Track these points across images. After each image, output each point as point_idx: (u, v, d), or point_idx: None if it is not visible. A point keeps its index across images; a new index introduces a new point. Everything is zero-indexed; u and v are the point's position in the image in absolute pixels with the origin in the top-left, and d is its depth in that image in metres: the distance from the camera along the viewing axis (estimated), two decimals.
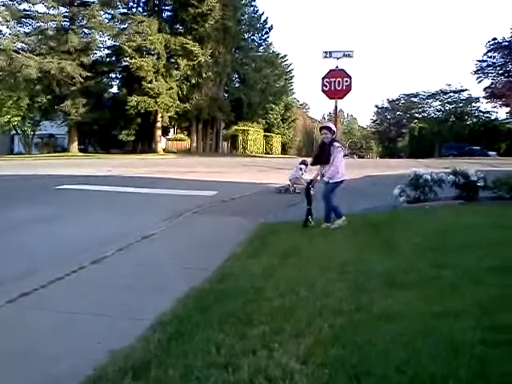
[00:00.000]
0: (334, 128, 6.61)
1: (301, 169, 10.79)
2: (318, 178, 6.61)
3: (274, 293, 3.57)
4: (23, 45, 35.51)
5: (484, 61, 48.85)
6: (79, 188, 11.26)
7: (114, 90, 43.45)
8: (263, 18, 54.70)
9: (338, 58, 9.00)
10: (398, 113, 68.02)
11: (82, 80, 35.32)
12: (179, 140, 48.92)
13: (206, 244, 5.79)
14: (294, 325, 2.93)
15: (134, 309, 3.49)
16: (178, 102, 39.62)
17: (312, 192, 6.68)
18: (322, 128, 6.74)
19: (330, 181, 6.32)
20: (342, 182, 6.41)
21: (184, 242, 5.96)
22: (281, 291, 3.59)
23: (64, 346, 2.87)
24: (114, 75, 42.81)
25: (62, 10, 36.95)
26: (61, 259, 4.91)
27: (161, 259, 5.00)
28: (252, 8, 53.80)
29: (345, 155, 6.81)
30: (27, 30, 36.39)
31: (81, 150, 38.98)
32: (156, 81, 37.64)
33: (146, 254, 5.27)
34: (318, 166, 6.59)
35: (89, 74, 35.66)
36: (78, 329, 3.14)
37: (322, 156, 6.46)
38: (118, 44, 38.22)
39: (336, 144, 6.39)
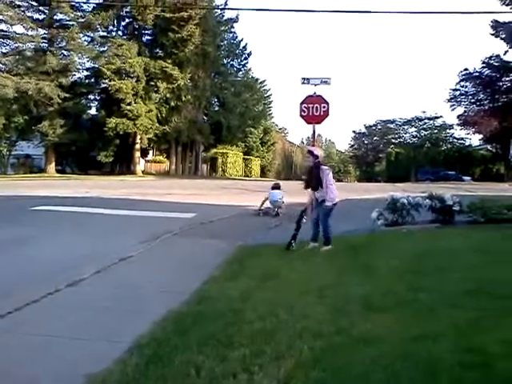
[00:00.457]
0: (316, 152, 6.61)
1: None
2: (312, 204, 6.57)
3: (253, 315, 3.55)
4: (0, 65, 35.22)
5: (457, 89, 50.24)
6: (56, 209, 11.06)
7: (93, 111, 43.27)
8: (242, 44, 55.38)
9: (315, 85, 9.17)
10: (374, 138, 69.17)
11: (60, 101, 35.06)
12: (158, 162, 48.79)
13: (184, 267, 5.74)
14: (274, 347, 2.92)
15: (112, 331, 3.43)
16: (157, 124, 39.61)
17: (304, 220, 6.69)
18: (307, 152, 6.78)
19: (331, 203, 6.28)
20: (336, 203, 6.42)
21: (162, 264, 5.90)
22: (260, 314, 3.58)
23: (40, 369, 2.80)
24: (92, 97, 42.62)
25: (41, 31, 36.87)
26: (36, 281, 4.80)
27: (138, 282, 4.93)
28: (231, 34, 54.52)
29: None
30: (4, 51, 36.17)
31: (58, 171, 38.44)
32: (135, 103, 37.63)
33: (123, 277, 5.19)
34: (310, 193, 6.57)
35: (67, 95, 35.44)
36: (55, 352, 3.07)
37: (311, 181, 6.44)
38: (97, 66, 38.20)
39: (323, 167, 6.40)
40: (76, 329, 3.48)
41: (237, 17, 50.78)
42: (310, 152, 6.58)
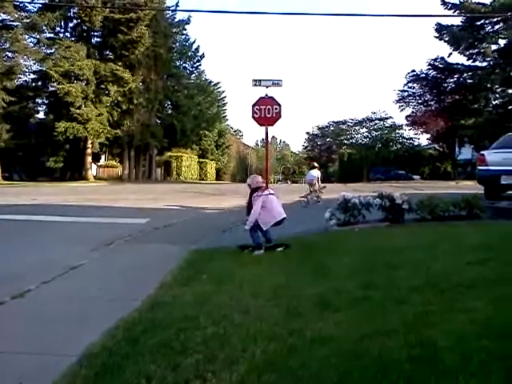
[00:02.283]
0: (248, 182, 6.94)
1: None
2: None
3: (207, 320, 3.50)
4: None
5: (405, 91, 51.81)
6: (0, 218, 10.62)
7: (41, 115, 41.97)
8: (195, 46, 55.25)
9: (267, 87, 9.20)
10: (328, 139, 70.22)
11: (5, 105, 33.83)
12: (110, 167, 47.88)
13: (137, 273, 5.62)
14: (228, 352, 2.88)
15: (60, 343, 3.30)
16: (108, 128, 38.83)
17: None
18: None
19: (246, 227, 6.47)
20: (280, 222, 6.49)
21: (114, 271, 5.76)
22: (214, 318, 3.54)
23: None
24: (40, 100, 41.39)
25: None
26: None
27: (89, 290, 4.79)
28: (183, 36, 54.23)
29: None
30: None
31: (5, 178, 36.93)
32: (85, 106, 36.79)
33: (73, 286, 5.02)
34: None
35: (13, 99, 34.23)
36: None
37: (248, 207, 6.68)
38: (44, 69, 37.04)
39: (254, 194, 6.56)
40: (21, 342, 3.33)
41: (188, 18, 50.63)
42: (248, 185, 6.85)
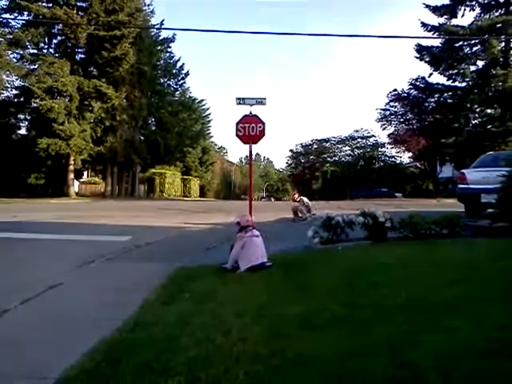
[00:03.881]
0: (236, 219, 6.78)
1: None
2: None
3: (190, 341, 3.46)
4: None
5: (387, 109, 52.54)
6: None
7: (23, 131, 41.54)
8: (179, 63, 55.47)
9: (251, 105, 9.25)
10: (311, 157, 70.77)
11: None
12: (93, 183, 47.48)
13: (118, 292, 5.53)
14: (210, 373, 2.85)
15: (37, 366, 3.21)
16: (91, 144, 38.59)
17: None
18: None
19: (228, 267, 6.38)
20: (258, 266, 6.28)
21: (94, 291, 5.66)
22: (197, 339, 3.50)
23: None
24: (22, 116, 40.99)
25: None
26: None
27: (69, 310, 4.70)
28: (168, 54, 54.46)
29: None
30: None
31: None
32: (68, 123, 36.57)
33: (52, 306, 4.93)
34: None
35: None
36: None
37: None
38: (27, 85, 36.79)
39: (239, 233, 6.53)
40: None
41: (173, 36, 50.92)
42: (237, 222, 6.76)
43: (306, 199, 13.86)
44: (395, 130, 53.07)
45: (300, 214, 13.44)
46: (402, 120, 52.34)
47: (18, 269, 6.92)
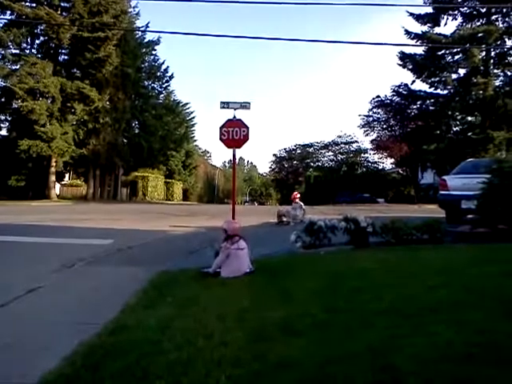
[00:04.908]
0: (224, 226, 6.65)
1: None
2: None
3: (170, 345, 3.42)
4: None
5: (370, 116, 53.05)
6: None
7: (4, 132, 40.92)
8: (164, 66, 55.41)
9: (235, 109, 9.23)
10: (294, 162, 71.02)
11: None
12: (75, 186, 46.91)
13: (99, 296, 5.47)
14: (191, 378, 2.82)
15: (13, 372, 3.14)
16: (73, 147, 38.17)
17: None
18: None
19: (211, 271, 6.32)
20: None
21: (74, 294, 5.58)
22: (178, 343, 3.46)
23: None
24: (3, 117, 40.37)
25: None
26: None
27: (47, 314, 4.62)
28: (153, 57, 54.28)
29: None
30: None
31: None
32: (50, 124, 36.13)
33: (30, 310, 4.84)
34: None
35: None
36: None
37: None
38: (8, 85, 36.27)
39: (224, 243, 6.43)
40: None
41: (158, 39, 50.82)
42: (223, 229, 6.65)
43: (302, 203, 13.93)
44: (378, 136, 53.64)
45: (284, 219, 13.49)
46: (384, 126, 52.90)
47: None
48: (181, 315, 4.30)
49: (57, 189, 42.43)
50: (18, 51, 38.84)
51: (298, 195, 14.34)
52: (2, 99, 38.76)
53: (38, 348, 3.62)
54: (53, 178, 39.70)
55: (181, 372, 2.91)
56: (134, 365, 3.04)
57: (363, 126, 54.03)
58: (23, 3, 36.96)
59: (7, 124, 40.87)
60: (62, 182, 46.50)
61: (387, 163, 59.61)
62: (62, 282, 6.34)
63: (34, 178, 39.00)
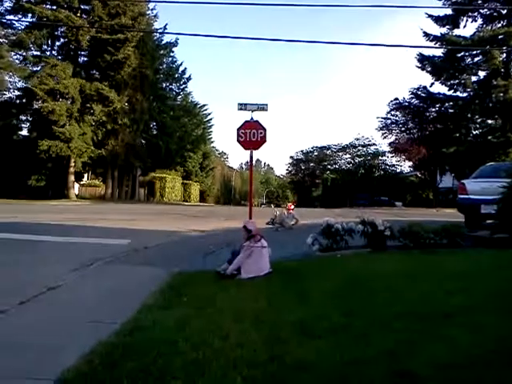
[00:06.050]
0: (249, 226, 6.72)
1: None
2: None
3: (187, 345, 3.44)
4: None
5: (388, 118, 52.58)
6: None
7: (25, 132, 41.55)
8: (182, 68, 55.65)
9: (252, 111, 9.24)
10: (311, 164, 70.86)
11: None
12: (93, 186, 47.35)
13: (117, 296, 5.53)
14: (207, 378, 2.84)
15: (33, 368, 3.18)
16: (92, 147, 38.60)
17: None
18: None
19: (228, 273, 6.34)
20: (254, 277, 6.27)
21: (92, 293, 5.65)
22: (194, 343, 3.48)
23: None
24: (24, 117, 40.99)
25: None
26: None
27: (66, 312, 4.69)
28: (171, 58, 54.58)
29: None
30: None
31: None
32: (69, 125, 36.59)
33: (50, 307, 4.91)
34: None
35: None
36: None
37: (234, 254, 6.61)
38: (29, 86, 36.84)
39: (248, 242, 6.48)
40: None
41: (176, 41, 51.00)
42: (244, 227, 6.72)
43: (295, 213, 14.28)
44: (396, 139, 53.11)
45: (276, 220, 13.68)
46: (402, 129, 52.39)
47: (16, 270, 6.90)
48: (197, 316, 4.32)
49: (76, 189, 42.93)
50: (38, 53, 39.46)
51: (292, 206, 15.03)
52: (23, 100, 39.37)
53: (56, 346, 3.66)
54: (72, 178, 40.18)
55: (197, 373, 2.93)
56: (150, 364, 3.07)
57: (381, 129, 53.61)
58: (44, 5, 37.53)
59: (28, 124, 41.53)
60: (81, 182, 47.00)
61: (405, 166, 59.13)
62: (81, 280, 6.42)
63: (54, 177, 39.51)
